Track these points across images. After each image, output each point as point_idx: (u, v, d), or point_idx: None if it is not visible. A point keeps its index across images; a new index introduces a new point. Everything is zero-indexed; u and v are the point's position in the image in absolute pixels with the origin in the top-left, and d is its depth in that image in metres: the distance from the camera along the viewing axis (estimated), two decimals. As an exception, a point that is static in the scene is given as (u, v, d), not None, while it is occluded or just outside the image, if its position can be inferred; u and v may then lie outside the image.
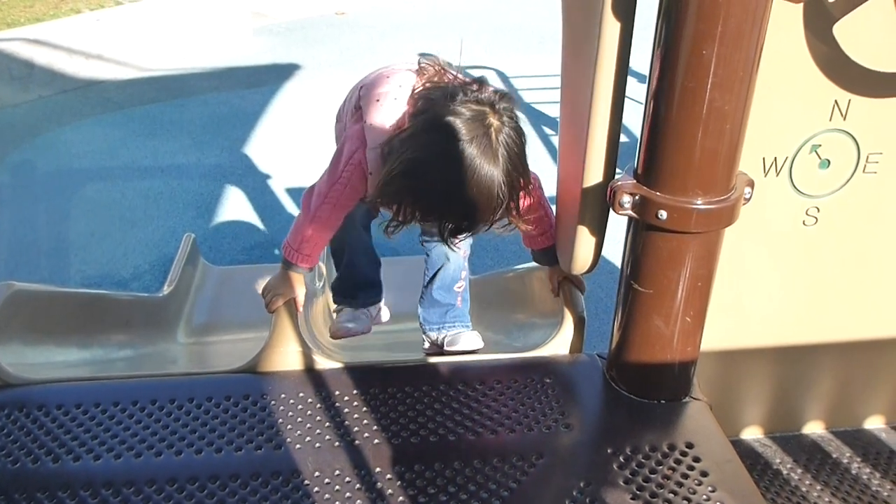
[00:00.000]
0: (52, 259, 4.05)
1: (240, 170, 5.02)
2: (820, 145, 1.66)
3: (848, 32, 1.53)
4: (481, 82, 1.74)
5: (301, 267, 1.92)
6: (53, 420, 1.68)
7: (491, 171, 1.61)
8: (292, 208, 4.54)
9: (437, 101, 1.67)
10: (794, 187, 1.70)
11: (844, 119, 1.64)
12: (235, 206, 4.56)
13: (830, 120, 1.64)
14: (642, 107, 1.50)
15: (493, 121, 1.63)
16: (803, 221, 1.74)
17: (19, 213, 4.47)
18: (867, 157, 1.68)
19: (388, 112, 1.78)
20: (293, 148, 5.37)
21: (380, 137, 1.75)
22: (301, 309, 1.92)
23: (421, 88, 1.77)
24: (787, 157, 1.66)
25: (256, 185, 4.81)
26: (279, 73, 6.84)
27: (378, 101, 1.81)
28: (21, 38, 6.27)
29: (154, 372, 2.32)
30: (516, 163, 1.67)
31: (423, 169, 1.62)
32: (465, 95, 1.65)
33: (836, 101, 1.62)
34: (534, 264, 2.15)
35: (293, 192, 4.71)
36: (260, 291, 1.94)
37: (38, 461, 1.57)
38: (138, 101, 6.18)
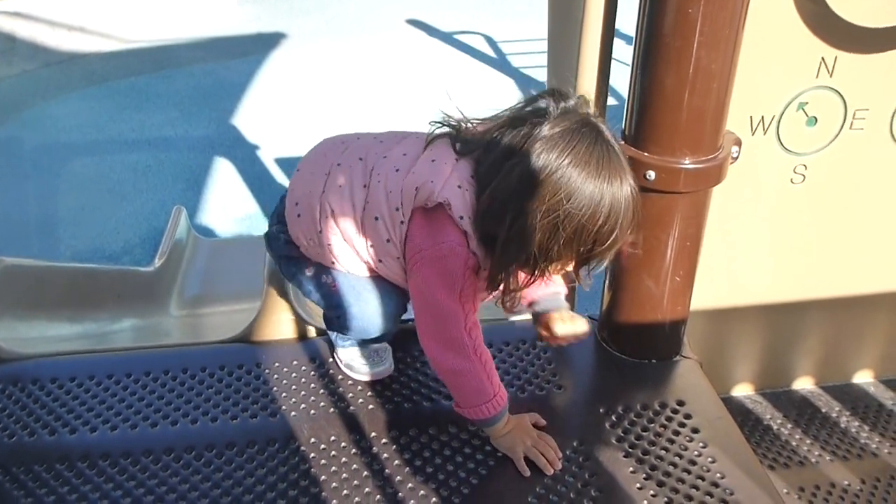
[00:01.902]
0: (42, 234, 4.04)
1: (228, 141, 4.99)
2: (807, 103, 1.66)
3: (834, -12, 1.52)
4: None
5: (503, 404, 1.47)
6: (48, 394, 1.68)
7: (625, 170, 1.34)
8: (282, 178, 4.52)
9: (517, 134, 1.35)
10: (782, 145, 1.70)
11: (831, 76, 1.63)
12: (225, 178, 4.54)
13: (817, 77, 1.63)
14: (629, 69, 1.50)
15: (596, 122, 1.35)
16: (791, 179, 1.74)
17: (7, 188, 4.44)
18: (854, 114, 1.68)
19: (459, 194, 1.39)
20: (281, 118, 5.34)
21: (470, 212, 1.38)
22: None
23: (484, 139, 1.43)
24: (774, 116, 1.66)
25: (245, 156, 4.78)
26: (265, 43, 6.77)
27: (445, 184, 1.40)
28: (2, 11, 6.18)
29: (147, 344, 2.33)
30: None
31: (554, 192, 1.29)
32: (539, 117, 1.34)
33: (822, 59, 1.61)
34: None
35: (282, 162, 4.69)
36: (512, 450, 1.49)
37: (34, 434, 1.58)
38: (123, 74, 6.12)
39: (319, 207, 1.51)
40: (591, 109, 1.38)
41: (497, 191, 1.33)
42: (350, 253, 1.53)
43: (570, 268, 1.41)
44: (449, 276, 1.38)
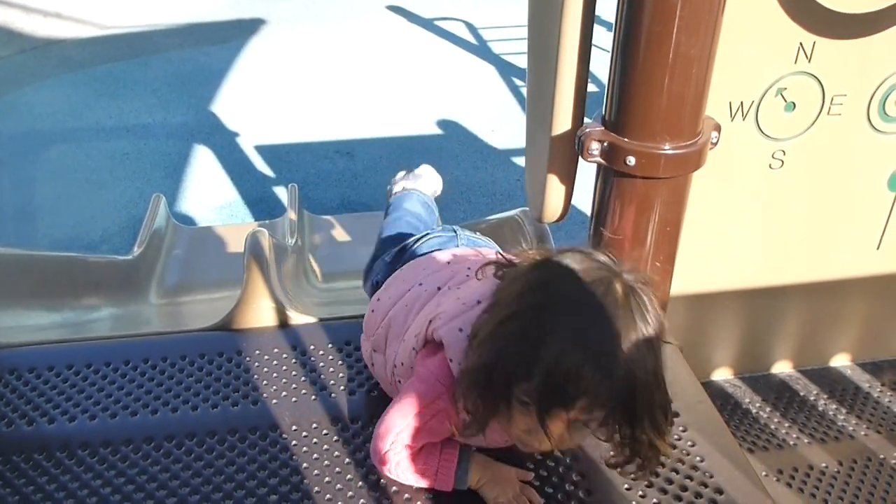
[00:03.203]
0: (19, 223, 3.99)
1: (207, 128, 4.95)
2: (785, 88, 1.67)
3: (813, -27, 1.53)
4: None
5: (450, 482, 1.39)
6: (26, 383, 1.67)
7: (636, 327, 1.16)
8: (261, 166, 4.49)
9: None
10: (761, 131, 1.71)
11: (809, 61, 1.64)
12: (204, 166, 4.51)
13: (795, 63, 1.64)
14: (609, 55, 1.49)
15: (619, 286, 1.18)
16: (769, 165, 1.75)
17: (-18, 177, 4.39)
18: (832, 100, 1.69)
19: (459, 338, 1.31)
20: (260, 105, 5.30)
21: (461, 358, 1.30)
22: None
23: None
24: (753, 101, 1.67)
25: (224, 144, 4.75)
26: (244, 29, 6.71)
27: (450, 323, 1.35)
28: (-26, -4, 6.08)
29: (127, 332, 2.31)
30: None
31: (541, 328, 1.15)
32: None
33: (801, 44, 1.62)
34: (505, 213, 2.14)
35: (261, 150, 4.66)
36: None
37: (12, 424, 1.57)
38: (100, 60, 6.04)
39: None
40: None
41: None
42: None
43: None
44: (414, 401, 1.34)
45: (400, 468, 1.37)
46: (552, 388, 1.12)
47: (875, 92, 1.70)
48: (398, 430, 1.34)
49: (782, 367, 2.09)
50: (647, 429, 1.17)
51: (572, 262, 1.20)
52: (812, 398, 2.01)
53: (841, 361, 2.11)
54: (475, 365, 1.20)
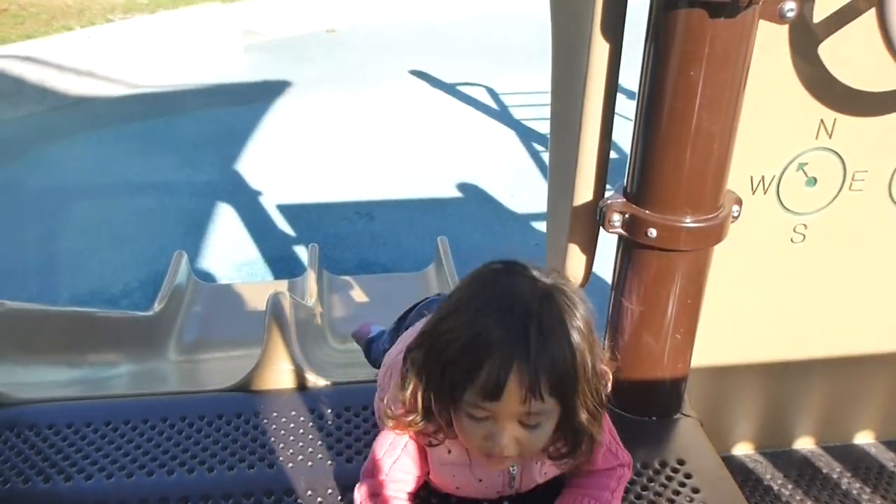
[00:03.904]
0: (42, 277, 4.04)
1: (230, 187, 5.02)
2: (807, 163, 1.68)
3: (833, 52, 1.55)
4: None
5: None
6: (44, 440, 1.67)
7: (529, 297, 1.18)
8: (283, 225, 4.54)
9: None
10: (782, 205, 1.72)
11: (830, 137, 1.66)
12: (226, 224, 4.57)
13: (817, 138, 1.66)
14: (632, 123, 1.52)
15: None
16: (791, 238, 1.76)
17: (9, 230, 4.46)
18: (853, 175, 1.70)
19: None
20: (284, 165, 5.39)
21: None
22: None
23: None
24: (774, 176, 1.68)
25: (247, 202, 4.82)
26: (270, 90, 6.87)
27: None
28: (11, 55, 6.28)
29: (145, 391, 2.32)
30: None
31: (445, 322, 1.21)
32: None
33: (821, 120, 1.64)
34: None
35: (284, 209, 4.72)
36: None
37: (28, 481, 1.56)
38: (129, 118, 6.19)
39: None
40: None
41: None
42: None
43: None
44: (378, 445, 1.38)
45: None
46: (490, 380, 1.13)
47: (896, 168, 1.71)
48: (366, 479, 1.38)
49: (804, 443, 2.05)
50: (584, 416, 1.20)
51: (497, 270, 1.23)
52: (835, 476, 1.97)
53: (865, 439, 2.07)
54: (417, 367, 1.23)
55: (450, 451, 1.34)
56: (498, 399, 1.14)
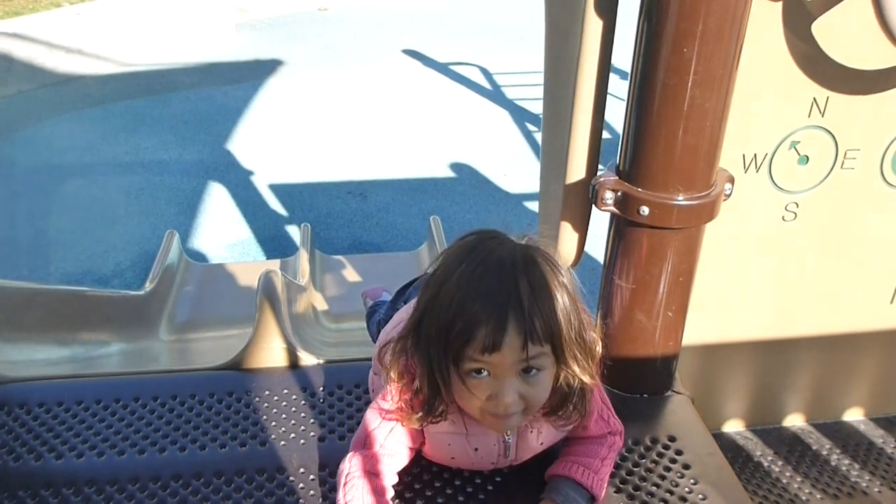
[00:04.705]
0: (32, 256, 4.02)
1: (222, 166, 5.00)
2: (799, 142, 1.68)
3: (826, 31, 1.54)
4: None
5: None
6: (35, 418, 1.67)
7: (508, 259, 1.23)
8: (275, 204, 4.53)
9: None
10: (774, 183, 1.72)
11: (822, 116, 1.65)
12: (218, 203, 4.55)
13: (809, 117, 1.66)
14: (624, 104, 1.51)
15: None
16: (783, 217, 1.76)
17: (-2, 209, 4.43)
18: (845, 154, 1.70)
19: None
20: (276, 144, 5.36)
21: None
22: None
23: None
24: (766, 154, 1.68)
25: (239, 182, 4.80)
26: (262, 69, 6.82)
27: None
28: (0, 32, 6.20)
29: (137, 369, 2.31)
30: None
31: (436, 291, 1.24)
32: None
33: (814, 99, 1.63)
34: None
35: (275, 189, 4.70)
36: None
37: (19, 459, 1.56)
38: (119, 97, 6.14)
39: None
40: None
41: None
42: None
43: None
44: (368, 421, 1.40)
45: (350, 490, 1.36)
46: (489, 333, 1.17)
47: (888, 147, 1.71)
48: (357, 450, 1.39)
49: (794, 420, 2.07)
50: (575, 366, 1.25)
51: (478, 237, 1.27)
52: (825, 453, 1.98)
53: (854, 416, 2.09)
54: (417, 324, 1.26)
55: (446, 420, 1.35)
56: (499, 350, 1.17)
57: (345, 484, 1.36)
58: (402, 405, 1.33)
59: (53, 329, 2.27)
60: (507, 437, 1.38)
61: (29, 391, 1.75)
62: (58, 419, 1.67)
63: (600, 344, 1.32)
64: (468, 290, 1.19)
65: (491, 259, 1.22)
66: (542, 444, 1.42)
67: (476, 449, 1.39)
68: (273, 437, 1.63)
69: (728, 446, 1.97)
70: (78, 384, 1.79)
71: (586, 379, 1.28)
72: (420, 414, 1.31)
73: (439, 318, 1.21)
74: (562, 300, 1.21)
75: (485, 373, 1.21)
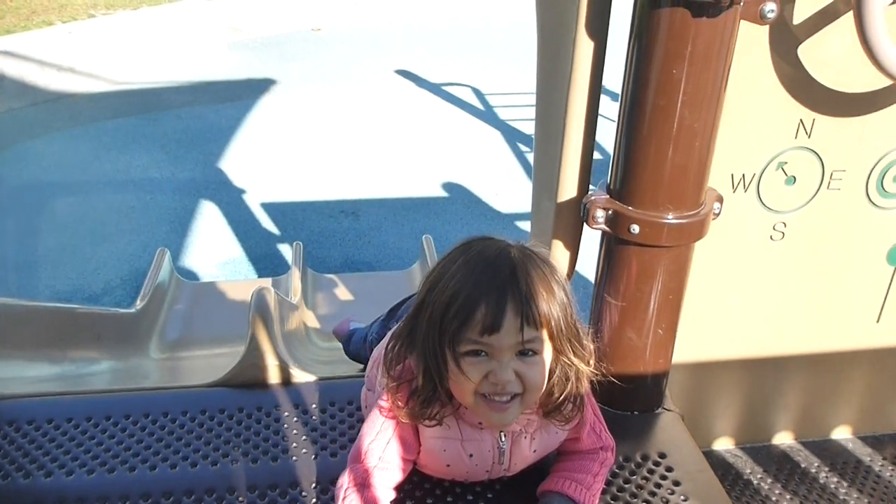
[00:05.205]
0: (22, 273, 4.01)
1: (214, 184, 5.00)
2: (786, 162, 1.70)
3: (812, 53, 1.57)
4: None
5: None
6: (24, 435, 1.66)
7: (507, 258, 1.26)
8: (266, 223, 4.53)
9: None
10: (762, 203, 1.74)
11: (809, 137, 1.68)
12: (209, 221, 4.54)
13: (796, 138, 1.68)
14: (615, 124, 1.53)
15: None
16: (770, 236, 1.78)
17: (-11, 226, 4.42)
18: (831, 174, 1.73)
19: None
20: (268, 162, 5.37)
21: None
22: None
23: None
24: (754, 174, 1.70)
25: (231, 200, 4.80)
26: (254, 88, 6.84)
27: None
28: (-9, 50, 6.21)
29: (127, 386, 2.30)
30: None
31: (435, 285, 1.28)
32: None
33: (801, 120, 1.66)
34: None
35: (267, 207, 4.71)
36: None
37: (8, 477, 1.56)
38: (111, 115, 6.15)
39: None
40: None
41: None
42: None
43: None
44: (364, 432, 1.41)
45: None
46: (488, 315, 1.20)
47: (873, 168, 1.74)
48: (353, 465, 1.39)
49: (783, 438, 2.08)
50: (570, 355, 1.29)
51: (473, 239, 1.31)
52: (813, 470, 1.99)
53: (842, 434, 2.10)
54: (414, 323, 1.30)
55: (441, 425, 1.36)
56: (498, 331, 1.20)
57: (343, 498, 1.36)
58: (400, 403, 1.34)
59: (44, 346, 2.26)
60: (501, 443, 1.38)
61: (19, 408, 1.74)
62: (48, 436, 1.66)
63: (593, 356, 1.35)
64: (467, 277, 1.23)
65: (489, 251, 1.26)
66: (535, 451, 1.43)
67: (471, 455, 1.40)
68: (264, 454, 1.63)
69: (718, 464, 1.98)
70: (68, 401, 1.79)
71: (582, 367, 1.31)
72: (417, 409, 1.33)
73: (438, 302, 1.24)
74: (557, 290, 1.26)
75: (482, 354, 1.23)
